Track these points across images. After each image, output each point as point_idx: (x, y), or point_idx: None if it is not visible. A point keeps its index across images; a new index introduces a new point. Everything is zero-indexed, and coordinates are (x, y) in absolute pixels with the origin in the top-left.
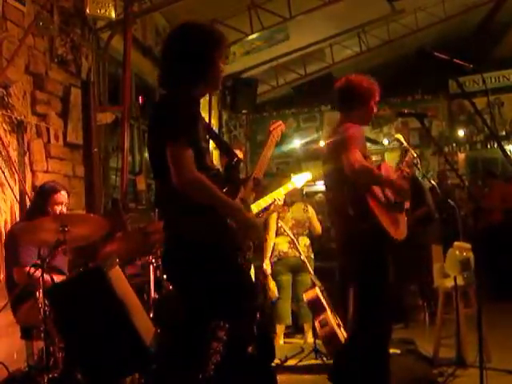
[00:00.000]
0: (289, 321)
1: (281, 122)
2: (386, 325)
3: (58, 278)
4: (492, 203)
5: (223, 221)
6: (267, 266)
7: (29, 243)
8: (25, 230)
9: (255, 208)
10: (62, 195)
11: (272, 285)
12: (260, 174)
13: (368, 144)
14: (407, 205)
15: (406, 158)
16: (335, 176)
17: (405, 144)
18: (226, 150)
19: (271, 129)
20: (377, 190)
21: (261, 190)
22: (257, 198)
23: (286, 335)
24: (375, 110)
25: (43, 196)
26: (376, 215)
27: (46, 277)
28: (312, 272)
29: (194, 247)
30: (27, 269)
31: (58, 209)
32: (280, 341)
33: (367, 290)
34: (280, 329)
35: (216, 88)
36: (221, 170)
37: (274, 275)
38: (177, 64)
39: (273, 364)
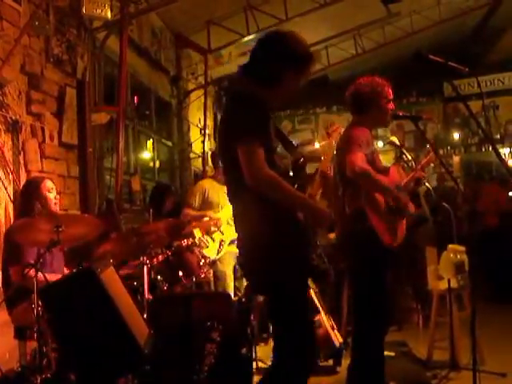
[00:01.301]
0: None
1: (338, 125)
2: (379, 327)
3: (52, 278)
4: (485, 206)
5: (294, 216)
6: None
7: (23, 243)
8: (19, 230)
9: None
10: (49, 182)
11: None
12: (325, 169)
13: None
14: (412, 209)
15: (423, 162)
16: (339, 176)
17: (399, 147)
18: (291, 150)
19: (330, 131)
20: (379, 195)
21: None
22: (324, 193)
23: None
24: (390, 108)
25: (32, 189)
26: (369, 218)
27: (40, 276)
28: None
29: (266, 244)
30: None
31: (51, 196)
32: None
33: (360, 291)
34: None
35: (276, 102)
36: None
37: None
38: (256, 64)
39: None
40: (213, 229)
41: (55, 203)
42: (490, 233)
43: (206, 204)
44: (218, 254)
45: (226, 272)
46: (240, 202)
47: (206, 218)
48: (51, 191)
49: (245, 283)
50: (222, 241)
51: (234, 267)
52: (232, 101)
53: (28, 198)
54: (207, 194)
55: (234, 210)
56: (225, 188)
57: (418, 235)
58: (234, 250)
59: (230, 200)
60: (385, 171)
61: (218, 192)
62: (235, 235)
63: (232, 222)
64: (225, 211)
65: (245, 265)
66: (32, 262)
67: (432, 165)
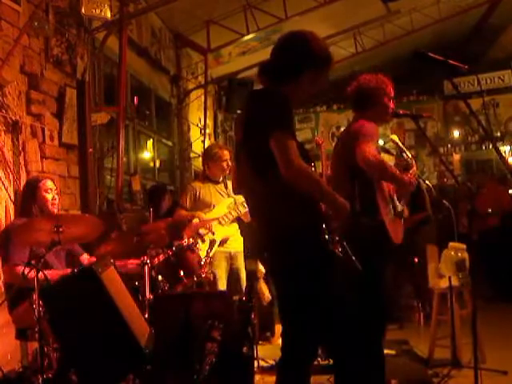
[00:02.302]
0: None
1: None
2: (380, 324)
3: (52, 275)
4: (486, 206)
5: (317, 208)
6: (261, 268)
7: (23, 243)
8: (20, 230)
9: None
10: (49, 182)
11: (265, 288)
12: (328, 172)
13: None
14: (406, 213)
15: (410, 171)
16: (345, 170)
17: (400, 145)
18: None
19: (320, 142)
20: (386, 191)
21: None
22: None
23: None
24: (391, 106)
25: (30, 188)
26: (382, 214)
27: (41, 277)
28: None
29: (288, 235)
30: (18, 268)
31: (49, 196)
32: (279, 340)
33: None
34: (279, 329)
35: (293, 101)
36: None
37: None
38: (276, 62)
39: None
40: (201, 231)
41: (53, 204)
42: (490, 231)
43: (198, 204)
44: (207, 255)
45: (216, 273)
46: (263, 194)
47: (196, 220)
48: (49, 192)
49: (242, 283)
50: (213, 241)
51: (232, 267)
52: (259, 96)
53: (26, 198)
54: (198, 194)
55: (252, 202)
56: (218, 186)
57: (419, 234)
58: (225, 249)
59: (248, 192)
60: None
61: (210, 191)
62: (226, 234)
63: (224, 222)
64: (217, 210)
65: (266, 256)
66: (23, 261)
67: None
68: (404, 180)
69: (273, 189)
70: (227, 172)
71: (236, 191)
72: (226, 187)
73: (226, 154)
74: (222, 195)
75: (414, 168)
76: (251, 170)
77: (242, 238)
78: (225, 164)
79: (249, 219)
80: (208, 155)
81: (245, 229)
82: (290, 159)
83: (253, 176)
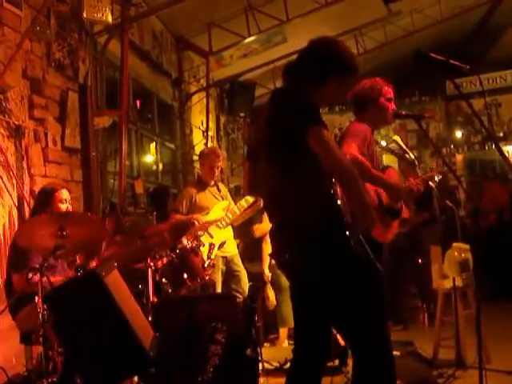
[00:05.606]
0: (292, 323)
1: None
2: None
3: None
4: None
5: (341, 211)
6: (269, 273)
7: (27, 248)
8: (23, 235)
9: (244, 203)
10: (64, 193)
11: (271, 294)
12: None
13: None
14: (405, 214)
15: (425, 176)
16: None
17: (402, 146)
18: None
19: None
20: (370, 191)
21: None
22: None
23: (291, 337)
24: (391, 107)
25: (45, 197)
26: None
27: (45, 281)
28: None
29: (318, 239)
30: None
31: (63, 207)
32: (283, 343)
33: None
34: (283, 331)
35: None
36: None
37: (275, 277)
38: (305, 66)
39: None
40: (199, 233)
41: None
42: (492, 230)
43: (195, 209)
44: (208, 258)
45: (214, 277)
46: (287, 194)
47: (196, 223)
48: (64, 202)
49: (243, 285)
50: (212, 244)
51: (230, 270)
52: (288, 95)
53: (39, 205)
54: (195, 199)
55: (274, 203)
56: (211, 189)
57: (423, 234)
58: (222, 253)
59: (269, 192)
60: (381, 171)
61: (206, 195)
62: (224, 237)
63: (221, 225)
64: (213, 213)
65: (287, 257)
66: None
67: (436, 178)
68: (384, 180)
69: (298, 189)
70: (220, 176)
71: (249, 192)
72: (219, 190)
73: (222, 159)
74: (216, 198)
75: (435, 168)
76: (275, 170)
77: (235, 241)
78: (219, 169)
79: (239, 222)
80: (204, 160)
81: (240, 231)
82: (332, 151)
83: (276, 176)
